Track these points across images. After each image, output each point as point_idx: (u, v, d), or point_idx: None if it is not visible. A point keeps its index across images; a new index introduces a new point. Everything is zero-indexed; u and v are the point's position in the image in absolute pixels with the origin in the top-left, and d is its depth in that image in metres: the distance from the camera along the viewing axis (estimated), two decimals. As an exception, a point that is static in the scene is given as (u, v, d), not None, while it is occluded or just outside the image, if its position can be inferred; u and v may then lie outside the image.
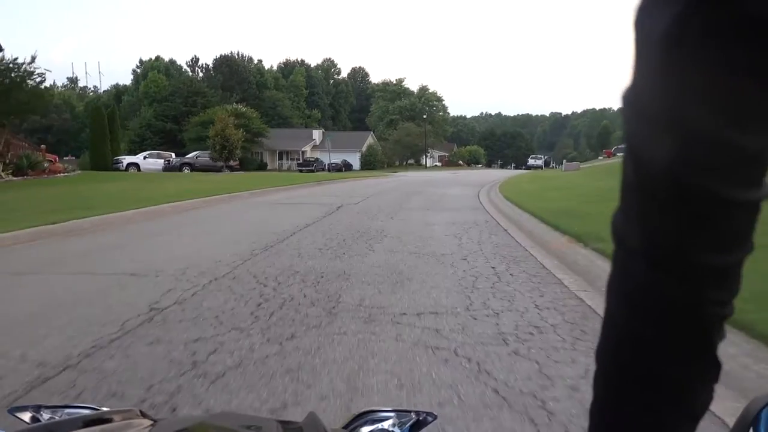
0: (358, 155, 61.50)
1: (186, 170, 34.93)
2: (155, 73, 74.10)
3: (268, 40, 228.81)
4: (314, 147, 64.88)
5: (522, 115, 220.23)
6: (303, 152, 63.36)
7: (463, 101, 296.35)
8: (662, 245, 0.68)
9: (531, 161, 64.38)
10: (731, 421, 0.77)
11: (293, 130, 67.77)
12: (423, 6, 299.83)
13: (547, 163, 69.85)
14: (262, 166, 62.41)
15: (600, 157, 73.79)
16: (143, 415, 0.64)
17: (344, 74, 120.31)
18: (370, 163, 60.24)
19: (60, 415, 0.70)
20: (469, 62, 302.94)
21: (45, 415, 0.71)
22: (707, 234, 0.66)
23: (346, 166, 59.56)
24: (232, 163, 37.67)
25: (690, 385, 0.73)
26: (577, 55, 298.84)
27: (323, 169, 56.15)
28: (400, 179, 28.36)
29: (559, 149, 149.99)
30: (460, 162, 74.10)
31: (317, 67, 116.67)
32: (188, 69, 77.73)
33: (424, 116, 64.51)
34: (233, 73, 75.58)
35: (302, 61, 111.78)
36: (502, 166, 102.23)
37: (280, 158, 64.44)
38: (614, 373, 0.78)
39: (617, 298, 0.76)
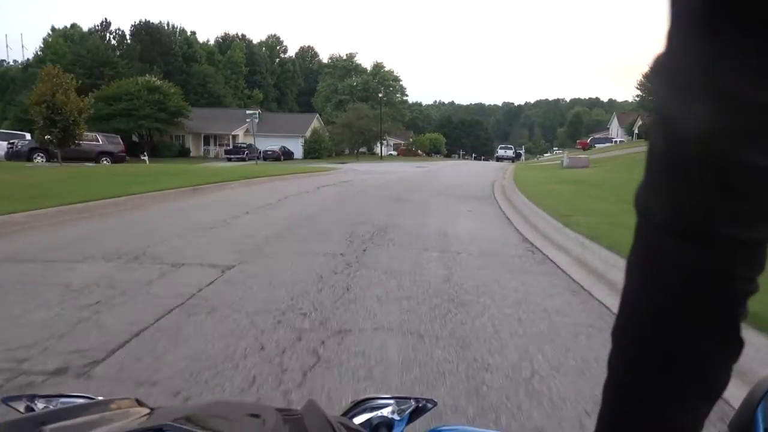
0: (301, 141, 51.85)
1: (39, 159, 24.38)
2: (58, 40, 61.73)
3: (205, 11, 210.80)
4: (247, 130, 54.61)
5: (475, 104, 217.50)
6: (234, 137, 53.08)
7: (417, 88, 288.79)
8: (692, 218, 0.67)
9: (501, 152, 56.17)
10: (736, 403, 0.77)
11: (225, 111, 57.31)
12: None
13: (518, 155, 61.94)
14: (183, 153, 51.93)
15: (558, 151, 66.57)
16: (140, 403, 0.64)
17: (292, 53, 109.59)
18: (314, 151, 50.78)
19: (55, 405, 0.69)
20: (423, 49, 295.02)
21: (39, 405, 0.70)
22: (738, 206, 0.64)
23: (286, 154, 49.87)
24: (95, 146, 26.58)
25: (712, 364, 0.71)
26: (530, 45, 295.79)
27: (258, 158, 46.48)
28: (349, 178, 19.08)
29: (515, 139, 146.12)
30: (419, 151, 65.38)
31: (261, 43, 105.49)
32: (98, 36, 65.39)
33: (380, 95, 55.38)
34: (155, 43, 64.06)
35: (243, 36, 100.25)
36: (463, 156, 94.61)
37: (207, 143, 53.99)
38: (633, 352, 0.75)
39: (640, 274, 0.74)
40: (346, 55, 65.02)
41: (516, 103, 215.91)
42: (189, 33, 76.37)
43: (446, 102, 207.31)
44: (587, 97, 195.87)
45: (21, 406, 0.69)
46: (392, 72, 63.39)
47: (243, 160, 48.62)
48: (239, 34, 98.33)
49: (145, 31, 65.68)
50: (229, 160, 48.11)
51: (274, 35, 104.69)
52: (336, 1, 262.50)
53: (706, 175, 0.63)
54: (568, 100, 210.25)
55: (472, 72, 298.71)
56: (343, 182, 17.03)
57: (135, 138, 48.14)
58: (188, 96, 64.58)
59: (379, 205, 10.49)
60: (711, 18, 0.58)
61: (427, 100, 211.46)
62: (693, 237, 0.67)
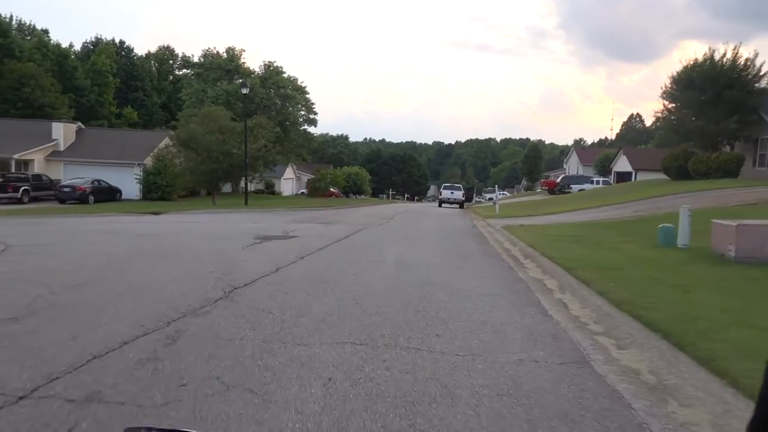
0: (136, 172, 32.40)
1: None
2: None
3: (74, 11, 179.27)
4: (54, 153, 34.40)
5: (406, 142, 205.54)
6: (23, 162, 32.88)
7: (347, 126, 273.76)
8: None
9: (446, 193, 38.79)
10: None
11: (23, 124, 36.70)
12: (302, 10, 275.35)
13: (468, 198, 44.74)
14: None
15: (514, 191, 50.69)
16: None
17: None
18: (157, 188, 31.43)
19: None
20: (351, 84, 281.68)
21: None
22: None
23: (101, 193, 30.26)
24: None
25: None
26: (463, 86, 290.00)
27: (55, 198, 27.15)
28: None
29: (447, 178, 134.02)
30: (333, 189, 47.18)
31: (149, 55, 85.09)
32: None
33: (274, 105, 36.62)
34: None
35: (121, 42, 79.45)
36: (394, 197, 77.00)
37: (-17, 172, 33.07)
38: None
39: None
40: (226, 50, 44.09)
41: (446, 142, 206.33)
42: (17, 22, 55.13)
43: (377, 140, 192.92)
44: (518, 138, 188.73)
45: None
46: (293, 79, 43.70)
47: (18, 201, 28.48)
48: (117, 41, 77.67)
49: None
50: (-3, 200, 27.93)
51: (167, 47, 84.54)
52: (265, 20, 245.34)
53: None
54: (498, 140, 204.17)
55: (403, 111, 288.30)
56: None
57: None
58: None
59: None
60: None
61: (357, 137, 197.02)
62: None
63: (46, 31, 70.85)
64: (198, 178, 26.13)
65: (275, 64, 41.35)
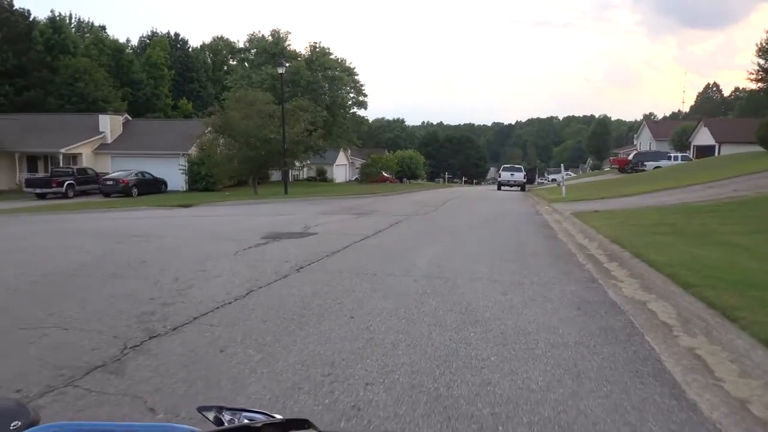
0: (181, 162, 31.59)
1: None
2: None
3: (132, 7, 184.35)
4: (102, 146, 34.05)
5: (465, 124, 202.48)
6: (71, 157, 32.69)
7: (403, 110, 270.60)
8: None
9: (505, 175, 35.62)
10: None
11: (71, 118, 36.66)
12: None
13: (530, 179, 41.32)
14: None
15: (584, 169, 46.90)
16: (313, 426, 0.73)
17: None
18: (201, 178, 30.52)
19: (239, 418, 0.79)
20: (412, 69, 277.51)
21: (226, 416, 0.80)
22: None
23: (145, 185, 29.69)
24: None
25: None
26: (520, 65, 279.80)
27: (99, 192, 26.84)
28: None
29: (507, 159, 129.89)
30: (387, 174, 44.98)
31: (203, 47, 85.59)
32: None
33: (321, 88, 34.32)
34: (1, 26, 43.67)
35: (176, 35, 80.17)
36: (451, 181, 73.77)
37: (32, 167, 33.36)
38: None
39: None
40: (271, 33, 40.99)
41: (506, 123, 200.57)
42: (59, 15, 55.51)
43: (434, 123, 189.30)
44: (582, 115, 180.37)
45: (211, 416, 0.80)
46: (341, 60, 40.38)
47: (63, 195, 28.09)
48: (172, 33, 78.30)
49: (-12, 9, 45.26)
50: (41, 197, 27.64)
51: (221, 37, 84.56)
52: (320, 14, 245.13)
53: None
54: (561, 119, 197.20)
55: (462, 93, 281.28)
56: None
57: None
58: (45, 99, 44.16)
59: None
60: None
61: (414, 121, 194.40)
62: None
63: (103, 27, 72.28)
64: (238, 166, 24.41)
65: (320, 45, 39.13)
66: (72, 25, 71.25)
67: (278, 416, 0.76)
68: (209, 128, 24.24)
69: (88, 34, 69.46)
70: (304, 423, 0.70)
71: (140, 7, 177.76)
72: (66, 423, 0.76)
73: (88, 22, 74.97)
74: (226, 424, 0.78)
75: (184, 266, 6.25)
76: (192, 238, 9.04)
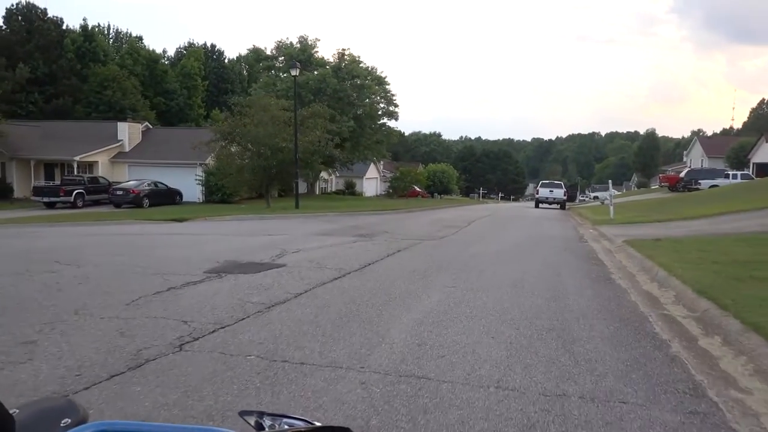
0: (197, 173, 30.05)
1: None
2: None
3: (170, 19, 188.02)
4: (119, 154, 32.89)
5: (504, 139, 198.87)
6: (87, 165, 31.64)
7: (442, 124, 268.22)
8: None
9: (543, 192, 32.63)
10: None
11: (90, 125, 35.74)
12: (403, 19, 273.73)
13: (571, 197, 38.12)
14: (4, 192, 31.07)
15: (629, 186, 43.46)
16: None
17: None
18: (217, 190, 28.85)
19: (279, 424, 0.81)
20: (450, 84, 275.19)
21: (267, 422, 0.81)
22: None
23: (158, 197, 28.19)
24: None
25: None
26: (561, 80, 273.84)
27: (109, 202, 25.24)
28: None
29: (547, 175, 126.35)
30: (418, 189, 42.53)
31: (239, 58, 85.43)
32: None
33: (348, 97, 31.90)
34: (34, 33, 43.61)
35: (213, 46, 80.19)
36: (487, 196, 70.59)
37: (49, 175, 32.38)
38: None
39: None
40: (299, 40, 39.25)
41: (546, 138, 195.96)
42: (91, 26, 55.26)
43: (472, 137, 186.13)
44: (626, 131, 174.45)
45: (252, 421, 0.81)
46: (371, 69, 38.12)
47: (72, 205, 26.81)
48: (209, 45, 78.27)
49: (22, 16, 45.33)
50: (49, 205, 26.45)
51: (256, 49, 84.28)
52: (355, 28, 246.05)
53: None
54: (603, 134, 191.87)
55: (501, 108, 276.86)
56: None
57: None
58: (74, 107, 43.69)
59: None
60: None
61: (452, 135, 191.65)
62: None
63: (139, 38, 72.61)
64: (248, 177, 22.38)
65: (349, 52, 37.05)
66: (110, 36, 72.06)
67: (318, 423, 0.76)
68: (217, 135, 22.27)
69: (125, 45, 69.90)
70: (346, 431, 0.70)
71: (178, 18, 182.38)
72: (112, 422, 0.77)
73: (127, 32, 75.56)
74: (266, 429, 0.78)
75: (14, 328, 4.03)
76: (111, 271, 6.79)
